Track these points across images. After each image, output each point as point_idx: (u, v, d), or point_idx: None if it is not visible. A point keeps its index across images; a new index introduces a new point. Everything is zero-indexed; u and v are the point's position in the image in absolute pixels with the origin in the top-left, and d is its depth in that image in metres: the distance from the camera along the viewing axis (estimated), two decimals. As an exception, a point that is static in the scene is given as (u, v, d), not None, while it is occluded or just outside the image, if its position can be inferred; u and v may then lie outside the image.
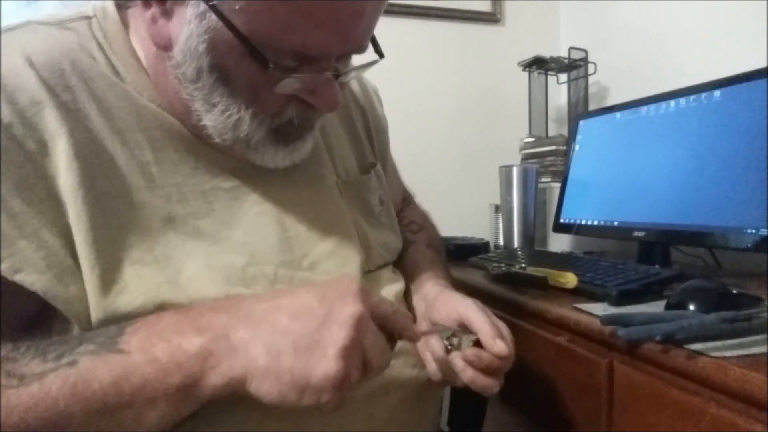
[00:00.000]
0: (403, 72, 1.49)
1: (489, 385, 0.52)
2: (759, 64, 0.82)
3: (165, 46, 0.47)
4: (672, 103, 0.95)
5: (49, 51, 0.47)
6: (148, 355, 0.38)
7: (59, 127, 0.45)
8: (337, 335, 0.38)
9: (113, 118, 0.49)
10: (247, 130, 0.49)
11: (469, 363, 0.52)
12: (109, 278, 0.44)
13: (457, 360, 0.53)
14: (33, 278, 0.41)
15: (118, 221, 0.46)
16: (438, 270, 0.69)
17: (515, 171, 1.22)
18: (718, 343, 0.50)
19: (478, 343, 0.53)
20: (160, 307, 0.45)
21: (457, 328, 0.55)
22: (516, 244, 1.22)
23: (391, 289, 0.62)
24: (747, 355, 0.48)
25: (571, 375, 0.65)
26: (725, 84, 0.86)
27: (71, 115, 0.46)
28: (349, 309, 0.40)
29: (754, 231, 0.77)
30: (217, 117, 0.48)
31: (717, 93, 0.87)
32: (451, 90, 1.57)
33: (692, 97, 0.91)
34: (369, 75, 0.77)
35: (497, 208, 1.31)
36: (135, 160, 0.49)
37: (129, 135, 0.49)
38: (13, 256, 0.41)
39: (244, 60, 0.45)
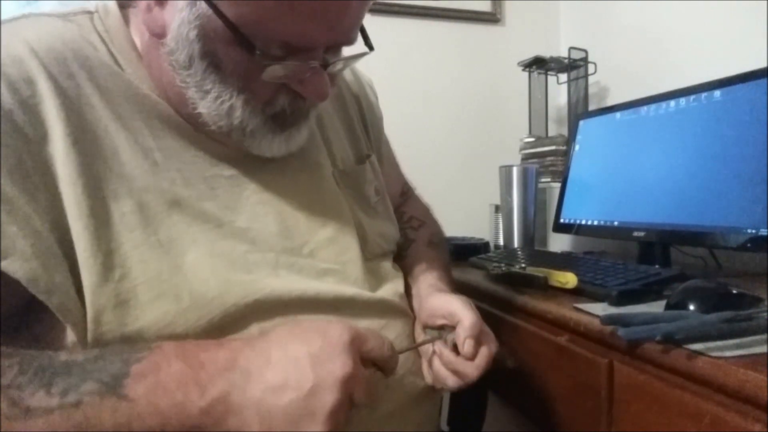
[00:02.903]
0: (403, 72, 1.50)
1: (444, 377, 0.55)
2: (759, 64, 0.82)
3: (159, 34, 0.48)
4: (672, 103, 0.95)
5: (51, 40, 0.48)
6: (151, 406, 0.39)
7: (58, 115, 0.45)
8: (326, 400, 0.40)
9: (115, 105, 0.50)
10: (240, 117, 0.50)
11: (438, 354, 0.56)
12: (110, 263, 0.45)
13: (438, 345, 0.56)
14: (17, 266, 0.41)
15: (119, 206, 0.47)
16: (435, 269, 0.69)
17: (515, 171, 1.22)
18: (719, 343, 0.50)
19: None
20: (160, 296, 0.46)
21: (444, 328, 0.57)
22: (516, 244, 1.22)
23: (392, 286, 0.62)
24: (747, 355, 0.48)
25: (571, 375, 0.65)
26: (725, 84, 0.86)
27: (72, 102, 0.47)
28: (339, 372, 0.41)
29: (754, 231, 0.77)
30: (211, 104, 0.49)
31: (717, 93, 0.87)
32: (451, 90, 1.57)
33: (692, 97, 0.91)
34: (369, 74, 0.78)
35: (497, 208, 1.31)
36: (138, 146, 0.50)
37: (131, 122, 0.50)
38: (1, 241, 0.41)
39: (233, 47, 0.46)
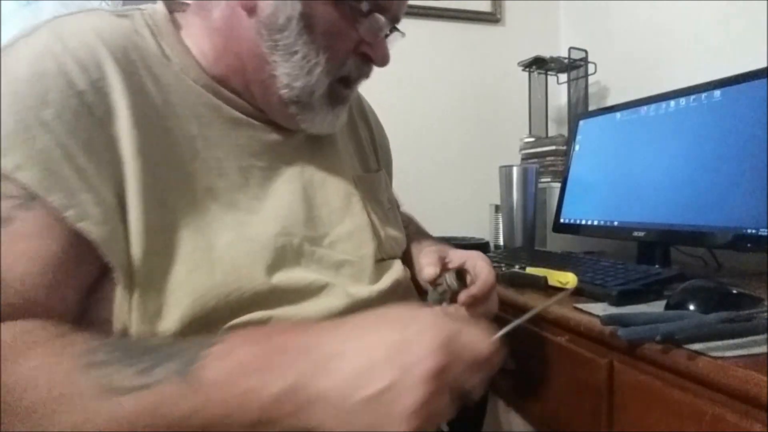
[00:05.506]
0: (403, 72, 1.49)
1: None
2: (759, 64, 0.82)
3: (251, 8, 0.54)
4: (672, 103, 0.95)
5: (114, 31, 0.52)
6: (224, 391, 0.39)
7: (123, 98, 0.49)
8: (407, 396, 0.37)
9: (167, 93, 0.53)
10: (317, 76, 0.56)
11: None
12: (154, 241, 0.48)
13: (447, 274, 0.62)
14: (92, 228, 0.44)
15: (167, 187, 0.50)
16: (435, 243, 0.75)
17: (515, 171, 1.22)
18: (718, 343, 0.50)
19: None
20: (195, 270, 0.49)
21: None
22: (516, 244, 1.22)
23: (397, 268, 0.66)
24: (747, 355, 0.48)
25: (571, 375, 0.65)
26: (725, 84, 0.86)
27: (133, 87, 0.50)
28: (423, 365, 0.37)
29: (754, 231, 0.77)
30: (296, 63, 0.55)
31: (717, 93, 0.87)
32: (451, 90, 1.57)
33: (692, 97, 0.91)
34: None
35: (497, 208, 1.31)
36: (184, 133, 0.53)
37: (179, 109, 0.54)
38: (77, 206, 0.44)
39: (330, 5, 0.54)
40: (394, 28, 0.61)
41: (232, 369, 0.39)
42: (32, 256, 0.43)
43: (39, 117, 0.44)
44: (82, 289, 0.47)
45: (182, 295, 0.48)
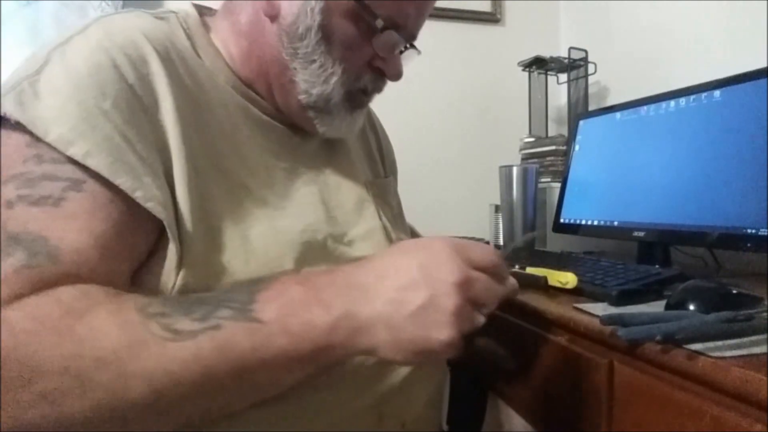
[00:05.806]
0: (403, 72, 1.50)
1: None
2: (759, 64, 0.82)
3: (273, 15, 0.57)
4: (672, 103, 0.95)
5: (155, 31, 0.55)
6: (282, 326, 0.42)
7: (167, 90, 0.52)
8: (444, 304, 0.43)
9: (202, 91, 0.56)
10: (333, 86, 0.59)
11: None
12: (197, 228, 0.50)
13: None
14: (159, 209, 0.47)
15: (207, 178, 0.53)
16: None
17: (515, 171, 1.22)
18: (718, 343, 0.50)
19: None
20: (232, 259, 0.51)
21: None
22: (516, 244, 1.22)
23: None
24: (747, 355, 0.48)
25: (571, 375, 0.65)
26: (725, 84, 0.86)
27: (175, 82, 0.53)
28: (450, 277, 0.43)
29: (754, 231, 0.77)
30: (313, 72, 0.59)
31: (717, 93, 0.87)
32: (451, 90, 1.57)
33: (692, 97, 0.91)
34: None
35: (497, 208, 1.31)
36: (219, 129, 0.56)
37: (214, 107, 0.57)
38: (143, 188, 0.47)
39: (348, 20, 0.57)
40: (409, 45, 0.62)
41: (284, 307, 0.43)
42: (85, 231, 0.44)
43: (100, 107, 0.47)
44: (131, 269, 0.48)
45: (221, 281, 0.50)
